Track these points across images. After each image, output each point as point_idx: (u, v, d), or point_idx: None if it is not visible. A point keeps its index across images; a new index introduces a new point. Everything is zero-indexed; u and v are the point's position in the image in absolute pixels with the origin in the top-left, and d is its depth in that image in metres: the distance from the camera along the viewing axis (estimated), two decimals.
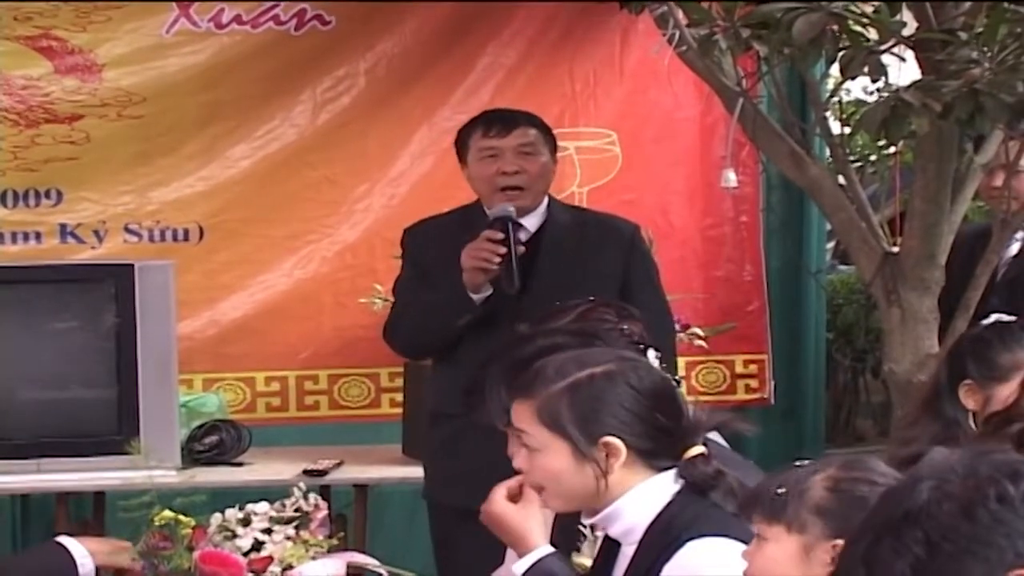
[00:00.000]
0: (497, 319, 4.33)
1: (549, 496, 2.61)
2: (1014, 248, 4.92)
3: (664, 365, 3.00)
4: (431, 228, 4.63)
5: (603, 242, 4.51)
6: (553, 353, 2.70)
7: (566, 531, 2.89)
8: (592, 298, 3.23)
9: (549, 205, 4.57)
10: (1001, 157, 4.59)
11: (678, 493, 2.54)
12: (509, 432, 2.71)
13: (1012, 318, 3.59)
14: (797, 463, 2.32)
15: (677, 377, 3.21)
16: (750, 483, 2.52)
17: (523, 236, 4.49)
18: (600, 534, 2.74)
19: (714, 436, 2.70)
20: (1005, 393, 3.26)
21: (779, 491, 2.26)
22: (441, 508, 4.48)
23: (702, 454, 2.57)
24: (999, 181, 4.69)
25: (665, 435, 2.56)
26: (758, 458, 5.70)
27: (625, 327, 3.08)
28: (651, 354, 2.97)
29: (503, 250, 4.33)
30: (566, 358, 2.63)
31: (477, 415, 2.87)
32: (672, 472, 2.56)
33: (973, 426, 3.28)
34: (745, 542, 2.42)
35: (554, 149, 4.57)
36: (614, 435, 2.53)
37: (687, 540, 2.46)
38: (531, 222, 4.52)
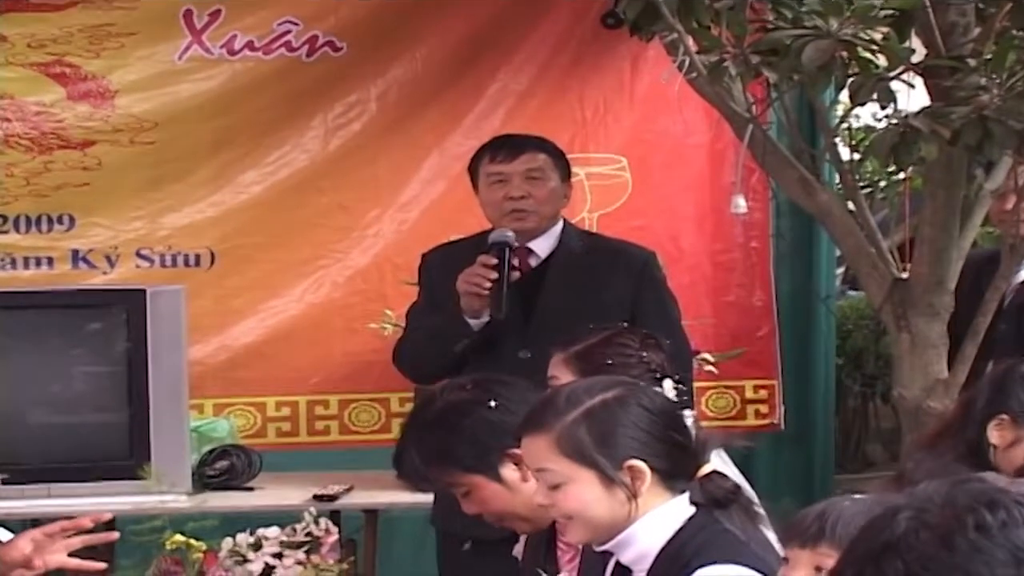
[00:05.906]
0: (502, 344, 4.33)
1: (577, 527, 2.57)
2: (1023, 274, 4.91)
3: (678, 397, 3.01)
4: (445, 253, 4.63)
5: (613, 269, 4.49)
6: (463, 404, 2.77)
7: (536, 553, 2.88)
8: (624, 324, 3.23)
9: (563, 230, 4.56)
10: (1011, 182, 4.59)
11: (691, 518, 2.53)
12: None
13: None
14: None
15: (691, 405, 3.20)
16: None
17: (533, 261, 4.49)
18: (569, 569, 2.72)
19: (716, 464, 2.70)
20: None
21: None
22: (445, 536, 4.48)
23: (716, 471, 2.57)
24: (1010, 204, 4.69)
25: (682, 452, 2.57)
26: (768, 483, 5.76)
27: (645, 355, 3.10)
28: (667, 384, 2.97)
29: (494, 275, 4.33)
30: (573, 388, 2.62)
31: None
32: (685, 496, 2.55)
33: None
34: (756, 568, 2.42)
35: (567, 174, 4.56)
36: (636, 457, 2.53)
37: (698, 567, 2.45)
38: (543, 246, 4.52)
